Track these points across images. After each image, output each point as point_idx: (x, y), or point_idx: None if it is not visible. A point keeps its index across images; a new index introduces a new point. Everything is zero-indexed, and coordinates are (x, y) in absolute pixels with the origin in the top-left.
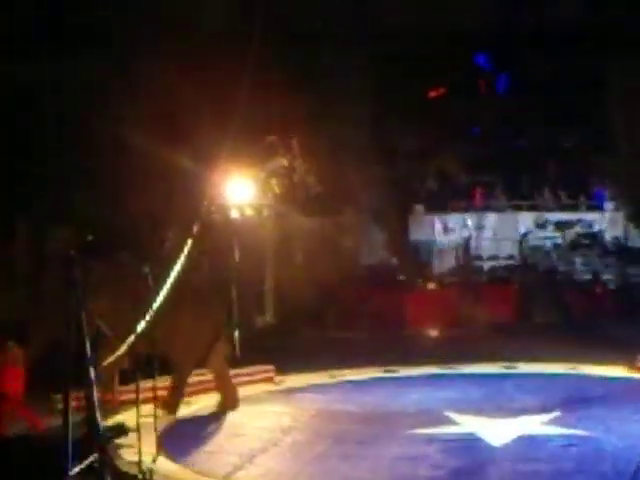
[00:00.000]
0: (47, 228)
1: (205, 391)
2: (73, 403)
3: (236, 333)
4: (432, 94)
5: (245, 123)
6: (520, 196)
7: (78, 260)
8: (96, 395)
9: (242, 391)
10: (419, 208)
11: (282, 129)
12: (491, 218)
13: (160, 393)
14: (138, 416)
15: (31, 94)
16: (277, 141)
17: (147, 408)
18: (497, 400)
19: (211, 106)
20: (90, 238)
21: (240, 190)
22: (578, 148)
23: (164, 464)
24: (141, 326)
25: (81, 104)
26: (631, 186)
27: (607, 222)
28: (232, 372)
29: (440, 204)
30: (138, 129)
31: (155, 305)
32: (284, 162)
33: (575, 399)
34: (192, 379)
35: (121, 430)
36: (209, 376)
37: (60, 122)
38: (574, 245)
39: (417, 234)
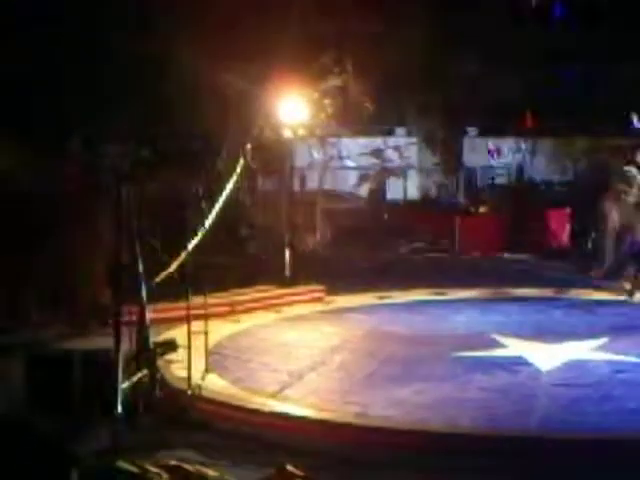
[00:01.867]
0: (100, 146)
1: (254, 309)
2: (125, 318)
3: (287, 254)
4: None
5: (299, 42)
6: (575, 121)
7: (130, 176)
8: (147, 311)
9: (292, 311)
10: (472, 132)
11: (337, 49)
12: (546, 143)
13: (211, 310)
14: (189, 332)
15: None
16: (331, 61)
17: (197, 325)
18: (546, 325)
19: (266, 24)
20: (143, 155)
21: (293, 110)
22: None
23: (213, 380)
24: (192, 244)
25: (129, 20)
26: None
27: None
28: (282, 292)
29: (494, 128)
30: (191, 47)
31: (207, 223)
32: (338, 82)
33: (625, 326)
34: (241, 297)
35: (171, 346)
36: (259, 294)
37: (107, 40)
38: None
39: (470, 158)
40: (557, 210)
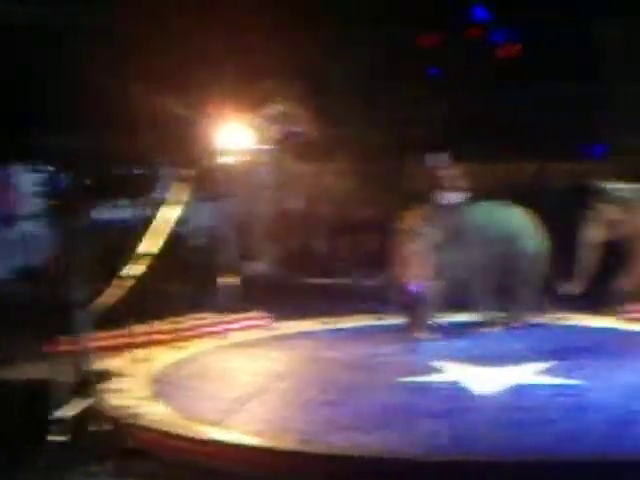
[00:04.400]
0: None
1: (198, 336)
2: (62, 348)
3: (233, 279)
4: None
5: (241, 66)
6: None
7: (76, 206)
8: (84, 339)
9: (236, 337)
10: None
11: (279, 74)
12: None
13: (154, 337)
14: (131, 361)
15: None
16: (273, 86)
17: (140, 353)
18: (485, 350)
19: (206, 49)
20: (88, 183)
21: (235, 136)
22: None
23: (153, 408)
24: (133, 270)
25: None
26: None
27: None
28: (228, 319)
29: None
30: (130, 75)
31: (141, 249)
32: (280, 107)
33: (566, 349)
34: (186, 324)
35: (105, 375)
36: (205, 321)
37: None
38: None
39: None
40: None
